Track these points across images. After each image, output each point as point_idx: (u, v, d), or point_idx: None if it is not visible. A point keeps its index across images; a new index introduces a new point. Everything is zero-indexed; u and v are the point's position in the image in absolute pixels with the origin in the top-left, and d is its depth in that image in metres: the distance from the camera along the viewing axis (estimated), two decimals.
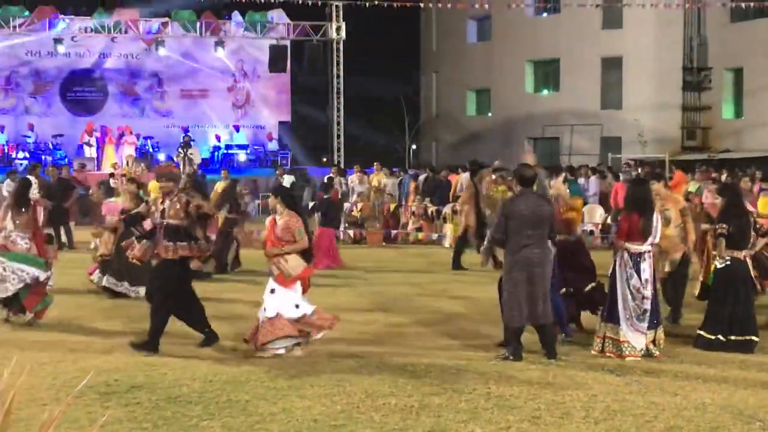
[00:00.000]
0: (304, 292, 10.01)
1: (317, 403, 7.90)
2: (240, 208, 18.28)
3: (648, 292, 9.86)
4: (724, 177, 23.01)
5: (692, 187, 14.50)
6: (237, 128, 36.31)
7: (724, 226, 10.42)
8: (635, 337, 9.79)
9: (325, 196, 19.13)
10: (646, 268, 9.89)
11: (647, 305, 9.85)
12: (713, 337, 10.26)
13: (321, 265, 15.58)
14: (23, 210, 11.74)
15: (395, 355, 9.85)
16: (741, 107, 39.89)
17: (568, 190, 12.04)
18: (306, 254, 9.99)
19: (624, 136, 41.23)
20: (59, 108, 35.18)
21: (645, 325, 9.82)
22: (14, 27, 33.22)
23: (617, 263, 9.96)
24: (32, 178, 16.52)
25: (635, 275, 9.84)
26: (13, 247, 11.58)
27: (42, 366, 9.07)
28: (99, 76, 35.55)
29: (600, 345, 9.93)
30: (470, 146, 44.80)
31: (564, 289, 10.69)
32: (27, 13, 33.49)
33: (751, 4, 34.73)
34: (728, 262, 10.38)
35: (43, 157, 31.94)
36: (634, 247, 9.91)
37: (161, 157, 33.37)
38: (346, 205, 24.48)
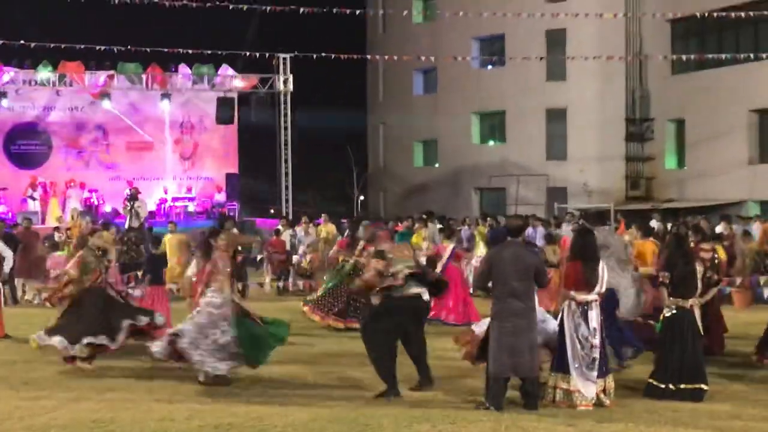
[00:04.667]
0: None
1: None
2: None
3: (596, 340, 9.92)
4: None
5: (627, 237, 15.38)
6: (185, 180, 36.10)
7: (666, 274, 10.58)
8: (586, 386, 9.82)
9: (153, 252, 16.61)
10: (594, 316, 9.97)
11: (596, 353, 9.89)
12: (663, 386, 10.33)
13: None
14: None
15: (347, 408, 9.77)
16: (683, 157, 40.54)
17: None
18: None
19: (569, 186, 41.69)
20: (2, 161, 34.69)
21: (594, 373, 9.86)
22: None
23: (564, 313, 10.03)
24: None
25: (583, 324, 9.91)
26: None
27: None
28: (43, 129, 35.17)
29: (551, 395, 9.94)
30: (418, 197, 45.04)
31: None
32: None
33: (692, 56, 35.47)
34: (674, 311, 10.49)
35: None
36: (581, 297, 9.98)
37: (107, 209, 33.03)
38: (295, 257, 24.41)
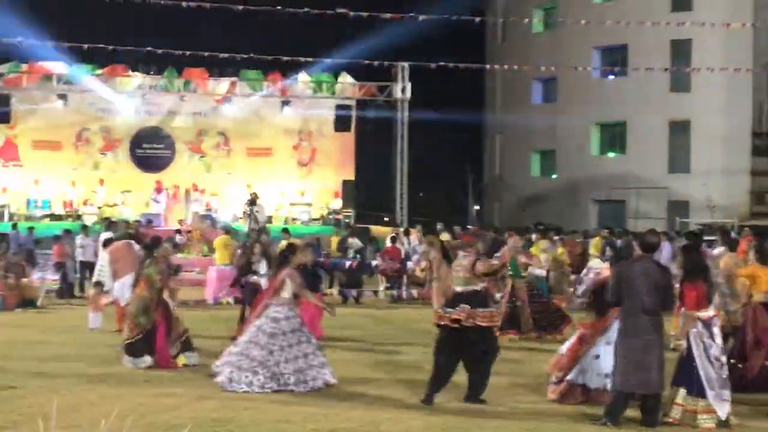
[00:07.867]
0: None
1: None
2: None
3: (724, 358, 9.60)
4: None
5: (751, 255, 14.16)
6: (302, 186, 36.55)
7: None
8: (721, 406, 9.42)
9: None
10: (717, 333, 9.65)
11: (725, 371, 9.57)
12: None
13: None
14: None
15: (459, 416, 9.66)
16: None
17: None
18: None
19: (692, 200, 40.76)
20: (128, 164, 35.69)
21: (728, 391, 9.51)
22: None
23: (691, 335, 9.59)
24: None
25: (713, 344, 9.56)
26: None
27: None
28: (167, 134, 36.07)
29: (679, 413, 9.55)
30: (534, 207, 44.63)
31: None
32: (99, 71, 34.20)
33: None
34: None
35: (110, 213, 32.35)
36: (705, 315, 9.65)
37: (226, 215, 33.56)
38: (409, 264, 24.36)
